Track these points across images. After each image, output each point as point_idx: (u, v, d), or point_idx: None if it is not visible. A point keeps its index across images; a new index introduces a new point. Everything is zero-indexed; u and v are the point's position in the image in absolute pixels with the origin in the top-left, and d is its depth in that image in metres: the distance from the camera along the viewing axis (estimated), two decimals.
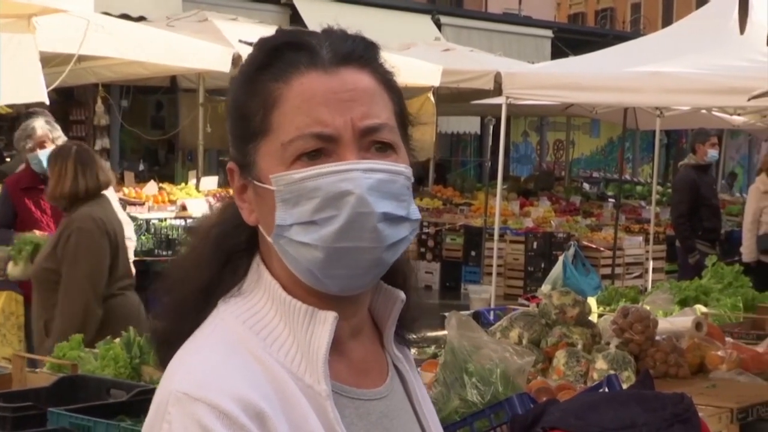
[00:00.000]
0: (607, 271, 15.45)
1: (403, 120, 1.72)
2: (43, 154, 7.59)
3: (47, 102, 7.56)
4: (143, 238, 11.36)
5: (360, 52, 1.67)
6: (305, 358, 1.61)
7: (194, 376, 1.55)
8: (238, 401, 1.50)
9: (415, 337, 1.86)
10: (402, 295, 1.75)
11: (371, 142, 1.62)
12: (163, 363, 1.66)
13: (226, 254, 1.69)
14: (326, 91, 1.61)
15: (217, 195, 12.30)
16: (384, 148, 1.63)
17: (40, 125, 7.78)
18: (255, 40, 1.74)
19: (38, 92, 7.26)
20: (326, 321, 1.62)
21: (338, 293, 1.63)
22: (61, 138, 7.93)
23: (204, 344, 1.62)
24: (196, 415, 1.49)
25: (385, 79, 1.69)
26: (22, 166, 8.23)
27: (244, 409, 1.50)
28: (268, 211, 1.62)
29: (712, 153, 12.24)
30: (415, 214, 1.66)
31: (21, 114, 17.04)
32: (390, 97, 1.69)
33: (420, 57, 15.03)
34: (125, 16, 13.39)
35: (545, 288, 9.86)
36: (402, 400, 1.76)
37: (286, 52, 1.65)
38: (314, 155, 1.59)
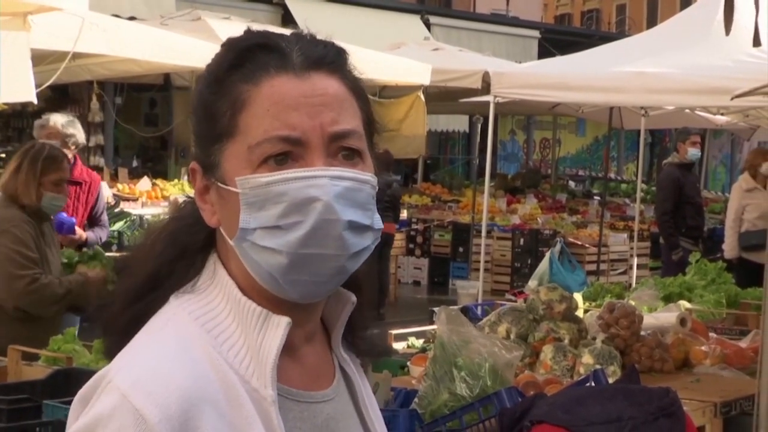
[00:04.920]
0: (593, 267, 15.46)
1: (371, 128, 1.68)
2: None
3: (35, 102, 7.52)
4: (136, 233, 11.33)
5: (331, 58, 1.64)
6: (254, 361, 1.57)
7: (133, 372, 1.53)
8: (165, 411, 1.47)
9: (363, 345, 1.82)
10: (353, 297, 1.72)
11: (339, 148, 1.59)
12: (108, 351, 1.64)
13: (180, 249, 1.66)
14: (296, 95, 1.58)
15: None
16: (351, 156, 1.60)
17: (55, 120, 7.84)
18: None
19: (27, 92, 7.20)
20: (279, 326, 1.58)
21: (297, 300, 1.61)
22: (74, 138, 7.94)
23: (155, 339, 1.59)
24: (115, 413, 1.48)
25: (354, 86, 1.66)
26: None
27: (168, 419, 1.47)
28: (231, 214, 1.59)
29: (693, 151, 12.24)
30: (378, 223, 1.63)
31: (17, 109, 17.04)
32: (358, 104, 1.66)
33: (410, 56, 15.03)
34: (117, 17, 13.35)
35: (532, 284, 9.90)
36: (347, 402, 1.73)
37: (257, 53, 1.61)
38: (281, 159, 1.56)
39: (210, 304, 1.62)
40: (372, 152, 1.67)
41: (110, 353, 1.64)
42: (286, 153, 1.56)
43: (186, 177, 13.51)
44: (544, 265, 12.73)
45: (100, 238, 7.79)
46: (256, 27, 1.77)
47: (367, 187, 1.60)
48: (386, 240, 14.50)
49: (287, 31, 1.69)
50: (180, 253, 1.66)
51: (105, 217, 8.15)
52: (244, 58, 1.61)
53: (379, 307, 14.39)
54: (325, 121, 1.58)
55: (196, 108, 1.66)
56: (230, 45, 1.65)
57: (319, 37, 1.69)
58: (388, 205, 14.22)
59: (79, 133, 8.04)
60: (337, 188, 1.55)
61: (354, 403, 1.75)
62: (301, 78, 1.59)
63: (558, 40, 26.49)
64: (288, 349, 1.62)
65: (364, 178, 1.59)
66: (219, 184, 1.60)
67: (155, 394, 1.49)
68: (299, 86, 1.59)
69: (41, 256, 6.04)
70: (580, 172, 29.70)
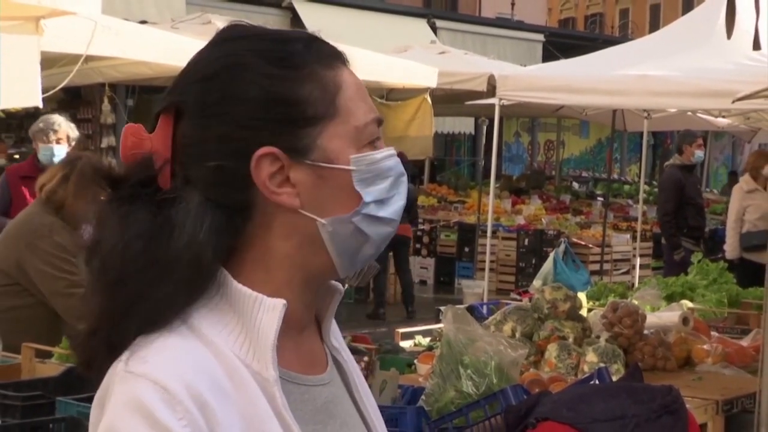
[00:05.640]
0: (596, 267, 15.46)
1: None
2: (58, 149, 7.64)
3: (41, 106, 7.50)
4: None
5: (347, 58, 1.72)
6: (253, 344, 1.58)
7: (140, 355, 1.53)
8: (182, 381, 1.48)
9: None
10: (341, 287, 1.75)
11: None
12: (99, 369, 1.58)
13: (207, 266, 1.58)
14: (359, 83, 1.68)
15: None
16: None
17: (64, 122, 7.86)
18: None
19: (33, 97, 7.17)
20: (275, 308, 1.59)
21: (349, 274, 1.69)
22: (76, 140, 7.98)
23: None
24: (136, 391, 1.48)
25: None
26: None
27: (187, 389, 1.48)
28: (332, 192, 1.62)
29: (699, 154, 12.26)
30: None
31: (30, 111, 17.07)
32: None
33: (416, 59, 14.98)
34: (128, 21, 13.36)
35: (537, 283, 9.87)
36: (341, 388, 1.76)
37: (318, 45, 1.67)
38: (375, 140, 1.66)
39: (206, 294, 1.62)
40: None
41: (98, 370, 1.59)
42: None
43: None
44: (548, 265, 12.69)
45: None
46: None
47: None
48: (402, 241, 14.59)
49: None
50: (207, 272, 1.59)
51: None
52: (312, 48, 1.66)
53: (408, 305, 14.57)
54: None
55: (265, 95, 1.61)
56: (289, 36, 1.68)
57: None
58: None
59: (76, 132, 8.10)
60: None
61: (347, 390, 1.77)
62: (350, 70, 1.69)
63: (562, 43, 26.45)
64: (286, 335, 1.63)
65: None
66: (321, 164, 1.61)
67: (169, 368, 1.50)
68: (355, 76, 1.68)
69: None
70: (584, 174, 29.68)
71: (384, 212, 1.65)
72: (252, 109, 1.62)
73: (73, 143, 7.92)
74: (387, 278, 15.12)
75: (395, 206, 1.67)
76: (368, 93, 1.71)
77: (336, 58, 1.67)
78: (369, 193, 1.63)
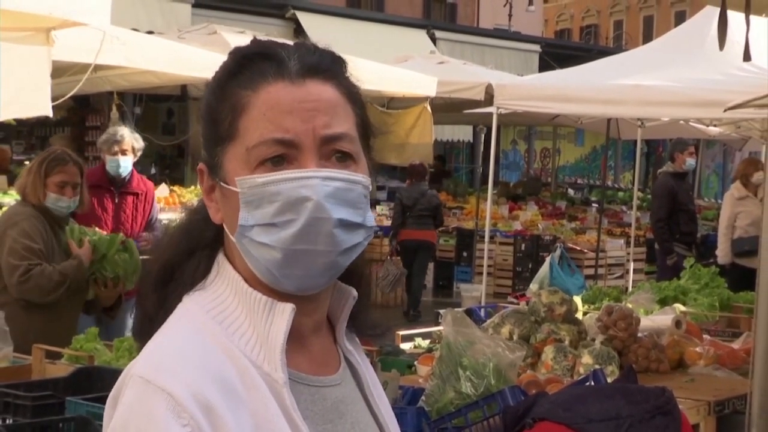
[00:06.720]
0: (591, 271, 15.44)
1: (366, 131, 1.71)
2: (124, 161, 7.64)
3: (51, 115, 7.47)
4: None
5: (326, 65, 1.67)
6: (264, 347, 1.61)
7: (152, 360, 1.56)
8: (189, 388, 1.50)
9: (364, 327, 1.85)
10: (354, 292, 1.75)
11: (332, 151, 1.62)
12: (137, 332, 1.71)
13: (192, 242, 1.71)
14: (291, 100, 1.61)
15: None
16: (344, 158, 1.63)
17: (128, 134, 7.82)
18: None
19: (43, 106, 7.15)
20: (284, 312, 1.62)
21: (294, 292, 1.63)
22: (142, 149, 7.97)
23: (169, 331, 1.62)
24: (145, 398, 1.50)
25: (349, 92, 1.69)
26: None
27: (193, 395, 1.50)
28: (232, 212, 1.63)
29: (690, 161, 12.25)
30: (371, 221, 1.66)
31: (40, 119, 17.04)
32: (353, 109, 1.68)
33: (416, 69, 14.98)
34: (136, 31, 13.35)
35: (534, 287, 9.87)
36: (353, 388, 1.77)
37: (256, 61, 1.65)
38: (277, 161, 1.59)
39: (219, 297, 1.65)
40: (368, 155, 1.70)
41: (138, 334, 1.69)
42: (282, 155, 1.60)
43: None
44: (544, 270, 12.70)
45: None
46: (263, 38, 1.79)
47: (358, 188, 1.63)
48: (425, 246, 14.76)
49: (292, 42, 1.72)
50: (191, 247, 1.71)
51: (158, 224, 8.10)
52: (243, 66, 1.65)
53: (412, 308, 14.59)
54: (317, 125, 1.61)
55: (202, 113, 1.70)
56: (233, 54, 1.69)
57: (321, 46, 1.71)
58: (426, 213, 14.37)
59: (141, 142, 8.06)
60: (328, 188, 1.59)
61: (360, 390, 1.78)
62: (296, 84, 1.62)
63: (558, 54, 26.48)
64: (296, 338, 1.65)
65: (355, 179, 1.63)
66: (222, 183, 1.64)
67: (179, 375, 1.52)
68: (294, 92, 1.62)
69: (49, 252, 6.03)
70: (579, 181, 29.66)
71: (266, 238, 1.59)
72: (201, 127, 1.70)
73: (138, 153, 7.91)
74: (421, 281, 15.27)
75: (285, 234, 1.58)
76: (339, 108, 1.64)
77: (262, 75, 1.63)
78: (253, 217, 1.60)
